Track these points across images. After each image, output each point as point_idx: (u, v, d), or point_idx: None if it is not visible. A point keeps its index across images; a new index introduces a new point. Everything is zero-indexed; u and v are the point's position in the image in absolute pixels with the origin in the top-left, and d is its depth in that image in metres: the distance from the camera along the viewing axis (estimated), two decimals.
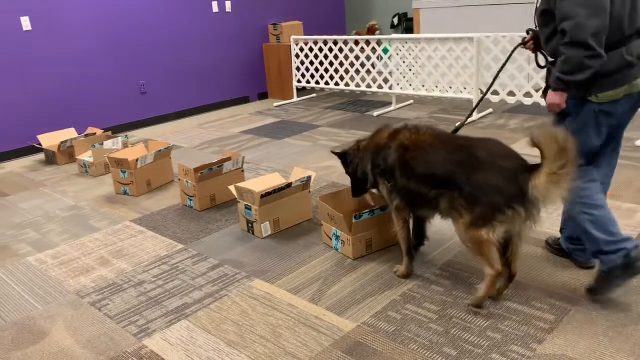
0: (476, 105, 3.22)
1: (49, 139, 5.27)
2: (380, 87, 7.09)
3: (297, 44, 7.12)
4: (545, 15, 2.29)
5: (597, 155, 2.39)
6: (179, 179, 3.87)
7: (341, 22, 8.73)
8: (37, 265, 3.15)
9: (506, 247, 2.36)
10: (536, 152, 2.13)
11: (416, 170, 2.44)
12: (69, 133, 5.43)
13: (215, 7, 6.93)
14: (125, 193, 4.17)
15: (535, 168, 2.13)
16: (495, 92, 6.25)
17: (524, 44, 2.56)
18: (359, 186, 2.84)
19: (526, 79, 5.64)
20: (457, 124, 2.79)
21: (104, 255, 3.21)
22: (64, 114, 5.77)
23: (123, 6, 6.07)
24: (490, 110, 5.86)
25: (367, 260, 2.90)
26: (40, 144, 5.28)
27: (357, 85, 6.74)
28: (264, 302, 2.59)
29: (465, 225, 2.29)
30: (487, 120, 5.53)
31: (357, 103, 6.89)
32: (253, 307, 2.56)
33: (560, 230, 2.75)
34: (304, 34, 7.71)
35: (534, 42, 2.51)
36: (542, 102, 5.22)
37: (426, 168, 2.40)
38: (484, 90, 5.55)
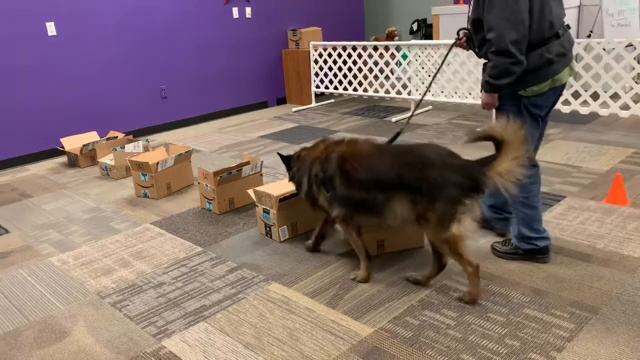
0: (414, 111, 3.32)
1: (72, 142, 5.36)
2: (399, 93, 7.08)
3: (316, 50, 7.15)
4: (476, 23, 2.56)
5: (534, 141, 2.69)
6: (198, 183, 3.91)
7: (360, 28, 8.75)
8: (59, 265, 3.21)
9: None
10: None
11: (359, 178, 2.53)
12: (91, 137, 5.52)
13: (235, 14, 7.00)
14: (145, 196, 4.22)
15: (489, 160, 2.33)
16: None
17: (456, 44, 2.83)
18: (298, 191, 2.97)
19: None
20: (398, 130, 2.99)
21: (124, 256, 3.26)
22: (87, 117, 5.88)
23: (146, 13, 6.16)
24: None
25: (384, 266, 2.90)
26: (63, 147, 5.38)
27: (376, 91, 6.74)
28: (282, 306, 2.60)
29: (434, 229, 2.40)
30: None
31: (376, 109, 6.89)
32: (271, 310, 2.57)
33: (484, 201, 2.96)
34: (323, 40, 7.75)
35: (468, 41, 2.76)
36: (563, 109, 5.17)
37: (370, 174, 2.51)
38: None
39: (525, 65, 2.43)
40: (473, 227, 2.40)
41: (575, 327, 2.28)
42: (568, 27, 2.60)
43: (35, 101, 5.49)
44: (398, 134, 2.93)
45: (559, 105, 5.17)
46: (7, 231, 3.79)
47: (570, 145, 4.71)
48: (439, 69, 3.15)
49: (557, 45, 2.50)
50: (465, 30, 2.76)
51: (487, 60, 2.56)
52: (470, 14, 2.60)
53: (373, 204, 2.50)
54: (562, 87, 2.60)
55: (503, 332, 2.28)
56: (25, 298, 2.86)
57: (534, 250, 2.78)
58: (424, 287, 2.66)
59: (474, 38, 2.65)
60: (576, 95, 5.93)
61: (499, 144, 2.31)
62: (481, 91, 2.64)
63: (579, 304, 2.44)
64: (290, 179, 3.00)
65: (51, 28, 5.48)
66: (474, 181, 2.32)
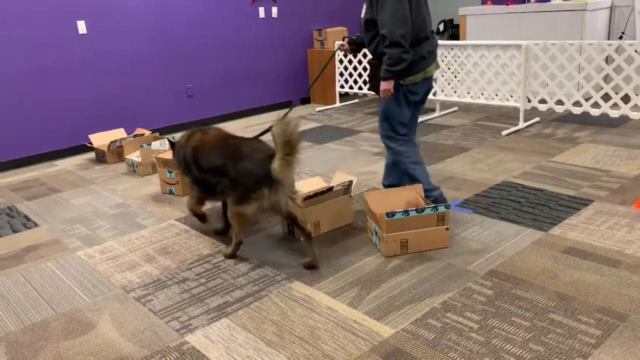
0: (286, 112, 3.54)
1: (100, 139, 5.46)
2: None
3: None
4: (368, 23, 3.15)
5: (411, 123, 3.33)
6: None
7: None
8: (86, 259, 3.27)
9: (293, 224, 3.04)
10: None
11: (203, 165, 3.09)
12: (119, 133, 5.61)
13: (262, 13, 7.04)
14: (171, 193, 4.28)
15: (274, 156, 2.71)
16: (543, 101, 6.11)
17: (340, 49, 3.47)
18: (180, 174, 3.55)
19: (576, 87, 5.50)
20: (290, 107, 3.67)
21: (149, 252, 3.30)
22: (115, 115, 5.97)
23: (174, 13, 6.24)
24: (537, 119, 5.73)
25: (407, 267, 2.88)
26: (91, 144, 5.48)
27: None
28: (304, 304, 2.61)
29: (231, 204, 2.96)
30: (533, 129, 5.41)
31: None
32: (292, 308, 2.58)
33: (383, 182, 3.61)
34: None
35: (356, 47, 3.44)
36: (592, 112, 5.08)
37: (209, 162, 3.05)
38: (532, 98, 5.44)
39: (412, 54, 3.02)
40: (256, 210, 2.86)
41: (602, 334, 2.23)
42: (433, 32, 3.28)
43: (64, 98, 5.61)
44: (290, 110, 3.66)
45: (587, 108, 5.08)
46: (36, 225, 3.88)
47: (599, 149, 4.62)
48: (322, 70, 3.85)
49: (428, 45, 3.16)
50: (347, 38, 3.49)
51: (372, 57, 3.22)
52: (363, 15, 3.20)
53: (215, 187, 3.05)
54: (431, 78, 3.26)
55: (527, 337, 2.25)
56: (53, 290, 2.93)
57: (435, 200, 3.31)
58: (317, 265, 2.93)
59: (364, 36, 3.24)
60: (606, 97, 5.82)
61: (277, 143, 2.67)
62: (378, 83, 3.14)
63: (606, 310, 2.39)
64: (174, 162, 3.52)
65: (82, 26, 5.59)
66: (265, 174, 2.75)
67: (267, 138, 2.94)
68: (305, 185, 3.58)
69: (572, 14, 6.15)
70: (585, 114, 5.18)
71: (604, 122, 5.40)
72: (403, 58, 2.99)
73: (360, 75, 7.33)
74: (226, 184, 2.94)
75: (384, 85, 3.10)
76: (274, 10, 7.15)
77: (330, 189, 3.30)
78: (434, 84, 6.26)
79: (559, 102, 6.07)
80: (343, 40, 3.29)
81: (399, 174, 3.48)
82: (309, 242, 2.95)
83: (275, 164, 2.68)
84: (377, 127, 3.61)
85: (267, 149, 2.87)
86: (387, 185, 3.57)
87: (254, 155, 2.87)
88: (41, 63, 5.39)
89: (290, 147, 2.62)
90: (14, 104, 5.31)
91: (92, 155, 5.66)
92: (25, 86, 5.34)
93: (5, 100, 5.25)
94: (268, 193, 2.79)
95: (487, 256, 2.94)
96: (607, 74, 5.11)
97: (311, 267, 2.94)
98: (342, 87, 7.29)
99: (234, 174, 2.88)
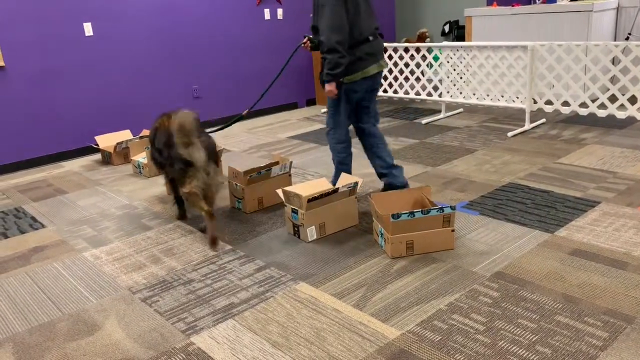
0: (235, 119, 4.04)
1: (106, 140, 5.48)
2: (429, 94, 7.03)
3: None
4: (314, 29, 3.46)
5: (350, 122, 3.70)
6: (228, 182, 3.95)
7: (391, 29, 8.72)
8: (92, 260, 3.28)
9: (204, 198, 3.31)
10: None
11: (156, 145, 3.56)
12: (125, 135, 5.63)
13: (267, 15, 7.05)
14: None
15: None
16: (549, 102, 6.09)
17: (301, 46, 3.76)
18: None
19: (582, 89, 5.49)
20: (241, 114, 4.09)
21: (155, 253, 3.31)
22: (121, 116, 6.00)
23: (180, 14, 6.26)
24: (543, 120, 5.71)
25: (413, 269, 2.88)
26: (97, 145, 5.50)
27: (406, 92, 6.70)
28: (309, 306, 2.61)
29: (180, 187, 3.36)
30: (539, 131, 5.39)
31: (406, 110, 6.85)
32: (298, 310, 2.58)
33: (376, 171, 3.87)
34: None
35: (315, 46, 3.59)
36: (599, 113, 5.06)
37: (158, 143, 3.49)
38: (538, 100, 5.42)
39: (348, 59, 3.33)
40: (194, 187, 3.22)
41: (609, 336, 2.22)
42: (381, 35, 3.56)
43: (71, 100, 5.64)
44: (239, 119, 4.25)
45: (593, 109, 5.06)
46: (43, 226, 3.90)
47: (605, 150, 4.60)
48: (282, 69, 4.28)
49: (367, 47, 3.44)
50: (308, 37, 3.65)
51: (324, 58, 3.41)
52: (311, 22, 3.49)
53: (163, 166, 3.54)
54: (372, 76, 3.51)
55: (534, 339, 2.24)
56: (60, 291, 2.94)
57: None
58: (216, 238, 3.30)
59: (315, 40, 3.52)
60: (613, 99, 5.79)
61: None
62: (323, 84, 3.45)
63: (613, 312, 2.38)
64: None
65: (88, 28, 5.62)
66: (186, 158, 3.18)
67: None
68: (311, 186, 3.59)
69: (578, 14, 6.13)
70: (592, 115, 5.17)
71: (611, 124, 5.37)
72: (340, 62, 3.30)
73: None
74: (168, 164, 3.40)
75: (328, 87, 3.42)
76: (280, 11, 7.16)
77: (335, 190, 3.30)
78: (440, 84, 6.28)
79: (565, 104, 6.05)
80: (304, 38, 3.65)
81: (375, 158, 3.79)
82: (210, 220, 3.30)
83: (180, 148, 3.13)
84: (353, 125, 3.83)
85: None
86: (379, 173, 3.84)
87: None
88: (48, 65, 5.42)
89: (184, 132, 3.08)
90: (21, 106, 5.34)
91: (98, 156, 5.68)
92: (32, 88, 5.37)
93: (13, 101, 5.28)
94: (196, 172, 3.19)
95: (493, 258, 2.93)
96: (614, 75, 5.09)
97: (212, 242, 3.32)
98: None
99: (172, 158, 3.28)
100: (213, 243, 3.29)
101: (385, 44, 6.64)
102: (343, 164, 3.76)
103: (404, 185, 3.74)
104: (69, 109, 5.64)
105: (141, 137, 5.34)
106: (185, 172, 3.22)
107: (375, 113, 3.76)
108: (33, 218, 4.06)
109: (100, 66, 5.78)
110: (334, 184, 3.66)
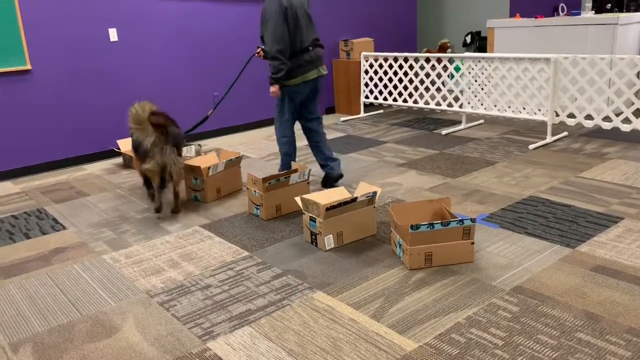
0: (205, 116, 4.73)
1: (128, 144, 5.54)
2: (450, 105, 6.99)
3: (367, 60, 7.16)
4: (262, 39, 4.01)
5: (294, 119, 4.24)
6: (247, 188, 3.96)
7: (412, 40, 8.71)
8: (111, 263, 3.31)
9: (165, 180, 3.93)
10: None
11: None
12: None
13: None
14: (196, 199, 4.32)
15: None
16: (572, 115, 6.02)
17: (254, 55, 4.40)
18: None
19: (606, 102, 5.42)
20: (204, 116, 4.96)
21: (174, 257, 3.34)
22: None
23: (201, 22, 6.33)
24: (565, 133, 5.65)
25: (431, 281, 2.86)
26: (119, 149, 5.57)
27: (426, 102, 6.68)
28: (326, 315, 2.60)
29: (140, 164, 3.88)
30: (561, 144, 5.33)
31: (425, 121, 6.83)
32: (315, 318, 2.58)
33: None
34: (375, 51, 7.75)
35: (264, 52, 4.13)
36: (623, 127, 4.98)
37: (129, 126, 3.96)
38: (560, 112, 5.36)
39: (289, 65, 3.89)
40: (154, 166, 3.78)
41: (632, 356, 2.17)
42: (321, 46, 4.12)
43: (94, 104, 5.72)
44: (204, 120, 5.08)
45: (617, 123, 4.98)
46: (64, 227, 3.95)
47: (629, 165, 4.53)
48: (238, 76, 5.22)
49: (306, 56, 4.00)
50: (260, 47, 4.16)
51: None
52: (260, 32, 4.01)
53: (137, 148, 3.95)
54: (312, 80, 4.08)
55: (554, 356, 2.20)
56: (79, 293, 2.97)
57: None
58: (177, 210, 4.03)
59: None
60: (637, 113, 5.71)
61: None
62: (270, 85, 4.00)
63: (637, 331, 2.33)
64: None
65: (113, 34, 5.71)
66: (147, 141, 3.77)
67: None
68: (329, 195, 3.58)
69: (603, 27, 6.07)
70: (616, 129, 5.10)
71: (635, 138, 5.29)
72: (281, 68, 3.87)
73: (385, 86, 7.33)
74: (136, 147, 3.88)
75: (272, 89, 4.00)
76: None
77: (354, 199, 3.29)
78: (461, 95, 6.25)
79: (588, 117, 5.98)
80: (257, 48, 4.21)
81: (317, 152, 4.33)
82: (175, 199, 4.06)
83: (135, 133, 3.79)
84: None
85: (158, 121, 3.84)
86: (320, 165, 4.38)
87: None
88: (73, 69, 5.52)
89: (137, 120, 3.73)
90: (46, 109, 5.43)
91: (119, 160, 5.75)
92: (57, 91, 5.47)
93: (38, 104, 5.38)
94: (152, 153, 3.76)
95: (512, 272, 2.90)
96: (639, 89, 5.02)
97: (173, 211, 4.07)
98: (367, 97, 7.30)
99: (140, 144, 3.83)
100: (173, 212, 4.07)
101: (405, 54, 6.65)
102: (288, 155, 4.26)
103: (338, 176, 4.30)
104: (92, 112, 5.72)
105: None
106: (146, 153, 3.76)
107: (318, 114, 4.37)
108: (54, 219, 4.12)
109: (123, 71, 5.86)
110: (280, 171, 4.31)
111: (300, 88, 4.06)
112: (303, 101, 4.19)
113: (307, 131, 4.34)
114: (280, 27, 3.80)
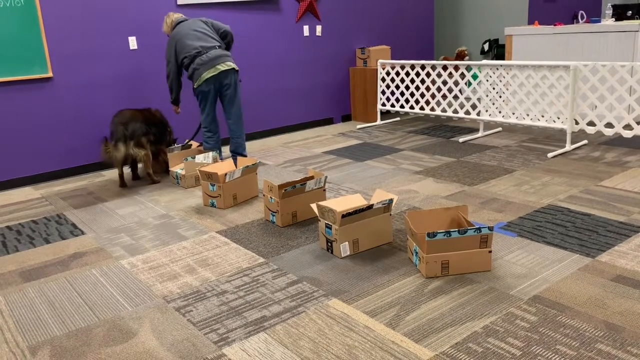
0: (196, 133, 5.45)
1: None
2: (467, 113, 6.96)
3: (383, 68, 7.16)
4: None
5: (214, 116, 5.18)
6: (263, 195, 3.97)
7: (430, 47, 8.70)
8: (129, 268, 3.34)
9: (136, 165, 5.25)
10: None
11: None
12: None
13: (306, 31, 7.13)
14: (212, 205, 4.34)
15: None
16: (592, 123, 5.95)
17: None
18: None
19: (627, 110, 5.34)
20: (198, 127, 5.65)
21: (190, 263, 3.35)
22: None
23: None
24: (585, 141, 5.58)
25: (448, 289, 2.83)
26: None
27: (443, 110, 6.65)
28: (341, 322, 2.59)
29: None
30: (581, 152, 5.26)
31: (442, 128, 6.80)
32: (330, 326, 2.57)
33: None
34: (392, 59, 7.74)
35: None
36: None
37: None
38: (580, 120, 5.30)
39: (173, 78, 5.16)
40: (121, 153, 4.81)
41: None
42: (216, 47, 5.00)
43: (114, 111, 5.80)
44: (198, 130, 5.52)
45: (638, 132, 4.90)
46: (83, 233, 4.00)
47: None
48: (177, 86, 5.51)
49: (198, 60, 4.92)
50: None
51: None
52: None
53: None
54: (212, 77, 4.94)
55: None
56: (97, 297, 3.00)
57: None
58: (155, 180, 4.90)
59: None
60: None
61: None
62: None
63: None
64: None
65: (133, 42, 5.79)
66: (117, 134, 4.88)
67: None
68: (346, 202, 3.58)
69: (623, 34, 6.00)
70: (637, 137, 5.02)
71: None
72: (171, 81, 5.18)
73: (402, 94, 7.31)
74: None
75: (173, 106, 5.45)
76: (318, 28, 7.24)
77: (370, 206, 3.28)
78: (478, 102, 6.22)
79: (609, 125, 5.90)
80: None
81: (231, 143, 5.26)
82: (149, 176, 5.10)
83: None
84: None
85: (128, 116, 4.92)
86: (232, 151, 5.33)
87: (114, 120, 4.94)
88: (94, 76, 5.61)
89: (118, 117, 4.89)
90: (67, 116, 5.52)
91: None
92: (77, 98, 5.56)
93: (59, 111, 5.47)
94: (117, 146, 4.80)
95: (531, 281, 2.86)
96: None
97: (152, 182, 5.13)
98: (383, 105, 7.29)
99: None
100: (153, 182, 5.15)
101: (422, 62, 6.63)
102: (209, 144, 5.22)
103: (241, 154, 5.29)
104: (111, 119, 5.79)
105: (183, 147, 5.44)
106: (117, 142, 4.83)
107: (237, 117, 5.17)
108: (74, 225, 4.17)
109: (142, 79, 5.93)
110: (190, 139, 5.51)
111: (204, 87, 4.97)
112: (217, 96, 5.11)
113: (228, 127, 5.22)
114: (169, 52, 5.10)
